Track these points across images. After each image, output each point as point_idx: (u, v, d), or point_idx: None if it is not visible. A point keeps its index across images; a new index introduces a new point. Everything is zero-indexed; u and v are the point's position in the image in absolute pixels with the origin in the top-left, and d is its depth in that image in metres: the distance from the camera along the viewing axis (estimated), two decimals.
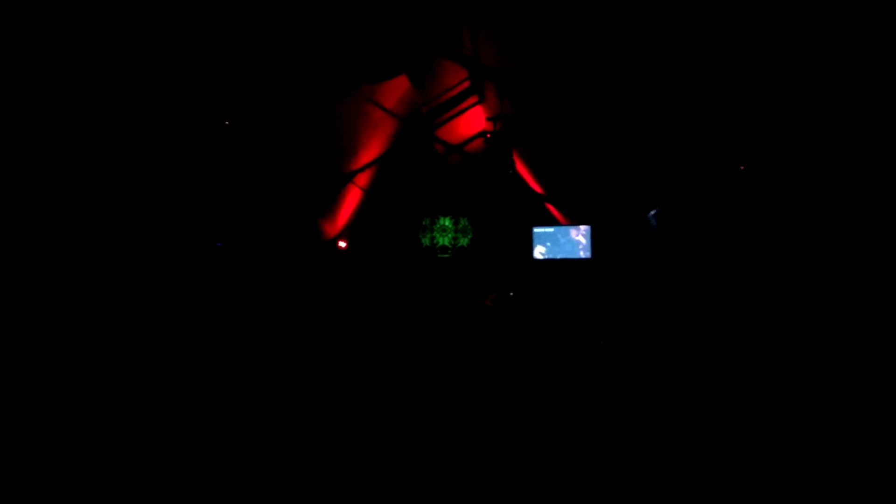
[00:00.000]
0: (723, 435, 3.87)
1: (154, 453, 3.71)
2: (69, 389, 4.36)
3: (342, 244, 9.55)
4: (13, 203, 4.50)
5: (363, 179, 8.66)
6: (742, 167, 4.77)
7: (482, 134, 8.83)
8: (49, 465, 3.40)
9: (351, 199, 8.95)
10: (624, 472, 3.54)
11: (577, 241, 8.27)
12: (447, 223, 10.04)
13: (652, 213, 6.32)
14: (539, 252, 8.59)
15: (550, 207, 9.39)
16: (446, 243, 10.04)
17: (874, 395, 3.48)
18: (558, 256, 8.77)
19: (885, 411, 3.37)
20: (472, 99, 8.57)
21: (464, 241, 10.09)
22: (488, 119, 8.54)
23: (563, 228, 8.52)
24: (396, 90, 7.59)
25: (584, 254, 8.22)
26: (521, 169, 8.89)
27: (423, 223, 9.85)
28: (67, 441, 3.71)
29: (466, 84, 8.19)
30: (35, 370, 4.29)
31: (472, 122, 8.93)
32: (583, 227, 8.25)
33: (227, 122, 6.07)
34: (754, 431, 3.82)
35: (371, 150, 8.36)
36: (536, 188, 9.19)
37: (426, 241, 9.90)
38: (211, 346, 5.97)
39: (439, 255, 10.05)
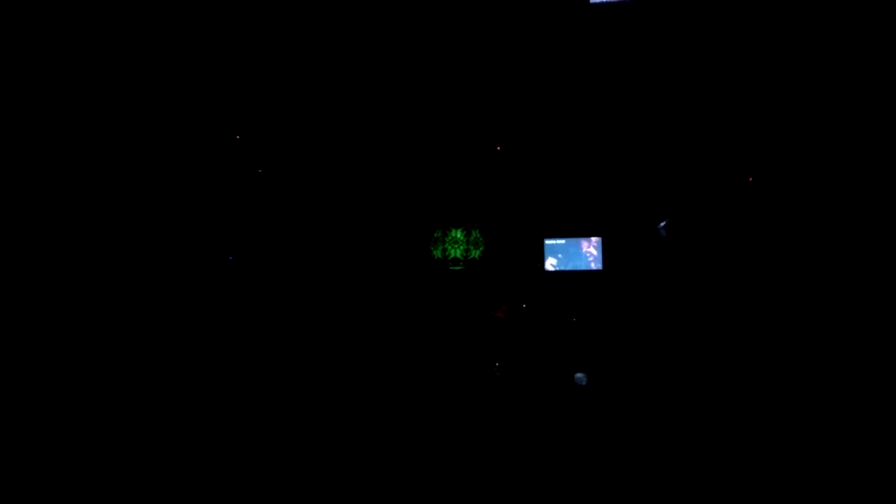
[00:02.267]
0: (732, 445, 3.82)
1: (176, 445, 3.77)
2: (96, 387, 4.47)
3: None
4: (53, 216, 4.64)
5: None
6: (750, 179, 4.72)
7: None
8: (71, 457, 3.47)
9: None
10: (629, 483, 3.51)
11: (587, 252, 8.23)
12: (459, 235, 9.94)
13: (662, 224, 6.27)
14: (550, 264, 8.55)
15: (560, 219, 9.33)
16: (458, 255, 9.93)
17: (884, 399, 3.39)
18: (569, 268, 8.71)
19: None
20: None
21: (476, 253, 9.99)
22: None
23: (573, 240, 8.47)
24: None
25: (595, 265, 8.16)
26: (531, 182, 8.86)
27: (435, 235, 9.76)
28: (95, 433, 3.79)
29: None
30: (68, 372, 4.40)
31: None
32: (594, 239, 8.19)
33: (237, 137, 6.19)
34: (764, 441, 3.75)
35: None
36: (545, 200, 9.15)
37: (438, 252, 9.82)
38: (230, 350, 6.05)
39: (451, 267, 9.96)
